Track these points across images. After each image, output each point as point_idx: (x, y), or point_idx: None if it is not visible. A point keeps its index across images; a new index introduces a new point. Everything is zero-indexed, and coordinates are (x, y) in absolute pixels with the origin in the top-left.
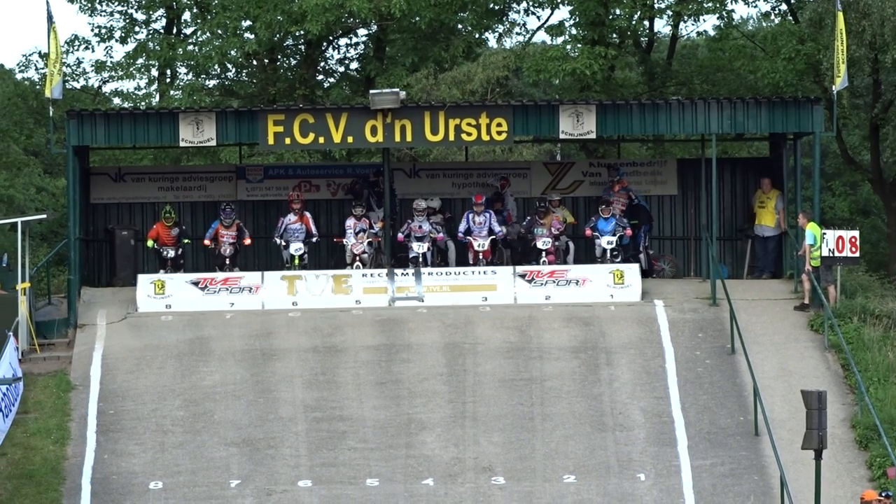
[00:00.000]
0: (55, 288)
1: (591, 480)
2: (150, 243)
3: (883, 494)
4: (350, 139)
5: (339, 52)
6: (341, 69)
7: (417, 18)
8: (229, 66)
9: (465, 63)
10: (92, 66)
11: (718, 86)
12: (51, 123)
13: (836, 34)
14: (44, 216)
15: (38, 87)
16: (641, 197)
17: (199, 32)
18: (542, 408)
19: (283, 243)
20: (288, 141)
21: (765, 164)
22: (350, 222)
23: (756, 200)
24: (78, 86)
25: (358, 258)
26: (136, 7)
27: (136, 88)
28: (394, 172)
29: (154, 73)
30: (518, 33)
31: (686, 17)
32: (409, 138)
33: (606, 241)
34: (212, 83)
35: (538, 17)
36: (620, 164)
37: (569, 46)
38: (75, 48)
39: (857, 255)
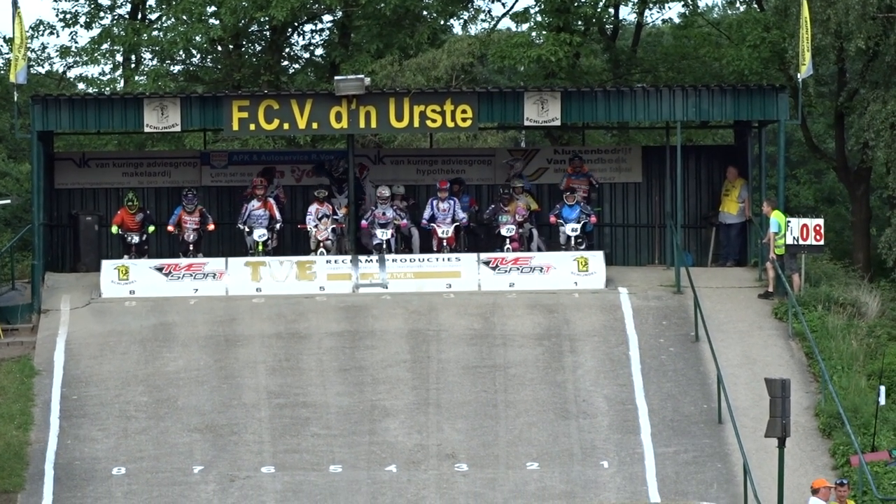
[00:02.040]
0: (19, 273)
1: (554, 467)
2: (114, 229)
3: (836, 482)
4: (315, 125)
5: (304, 39)
6: (306, 55)
7: (382, 5)
8: (194, 51)
9: (430, 50)
10: (57, 51)
11: (683, 73)
12: (15, 108)
13: (801, 22)
14: (8, 201)
15: (2, 72)
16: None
17: (163, 18)
18: (505, 395)
19: (247, 229)
20: (252, 127)
21: (729, 152)
22: (312, 208)
23: (723, 188)
24: (42, 71)
25: (322, 245)
26: None
27: (100, 74)
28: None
29: (119, 58)
30: (483, 20)
31: (651, 5)
32: (373, 125)
33: (571, 229)
34: (176, 69)
35: (503, 4)
36: (583, 150)
37: (534, 33)
38: (40, 33)
39: (822, 243)
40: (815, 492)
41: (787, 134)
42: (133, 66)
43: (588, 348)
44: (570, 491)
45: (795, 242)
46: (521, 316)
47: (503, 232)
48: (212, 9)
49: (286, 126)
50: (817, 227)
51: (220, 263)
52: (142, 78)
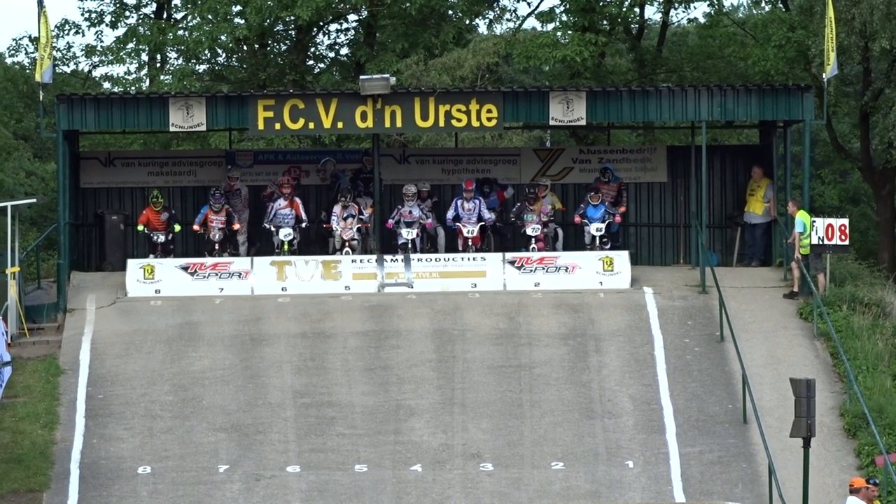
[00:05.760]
0: (45, 272)
1: (579, 467)
2: (140, 228)
3: (871, 482)
4: (340, 125)
5: (329, 38)
6: (331, 55)
7: (408, 4)
8: (219, 51)
9: (456, 49)
10: (82, 50)
11: (709, 73)
12: (41, 108)
13: (826, 22)
14: (33, 200)
15: (28, 71)
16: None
17: (189, 17)
18: (530, 394)
19: (273, 229)
20: (278, 126)
21: (755, 152)
22: (337, 209)
23: (748, 188)
24: (68, 70)
25: (347, 244)
26: None
27: (126, 73)
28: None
29: (144, 57)
30: (508, 20)
31: (676, 4)
32: (399, 124)
33: (595, 228)
34: (202, 68)
35: (528, 4)
36: (609, 150)
37: (559, 33)
38: (65, 32)
39: (847, 243)
40: (854, 491)
41: (812, 134)
42: (158, 65)
43: (613, 348)
44: (595, 491)
45: (820, 242)
46: (547, 315)
47: (528, 231)
48: (237, 8)
49: (311, 125)
50: (842, 227)
51: (246, 263)
52: (167, 77)
